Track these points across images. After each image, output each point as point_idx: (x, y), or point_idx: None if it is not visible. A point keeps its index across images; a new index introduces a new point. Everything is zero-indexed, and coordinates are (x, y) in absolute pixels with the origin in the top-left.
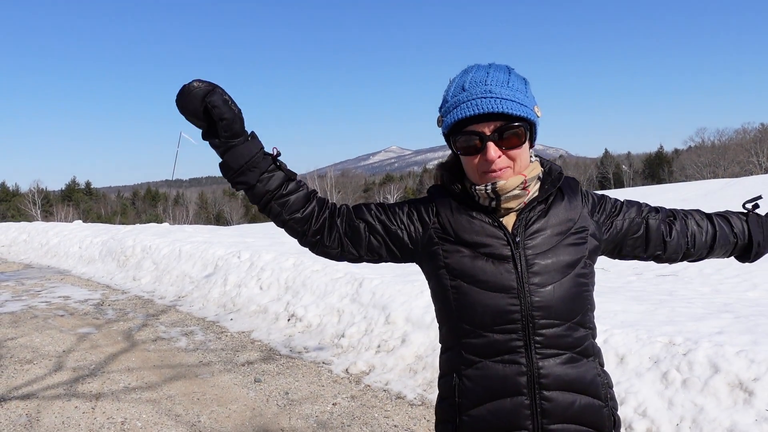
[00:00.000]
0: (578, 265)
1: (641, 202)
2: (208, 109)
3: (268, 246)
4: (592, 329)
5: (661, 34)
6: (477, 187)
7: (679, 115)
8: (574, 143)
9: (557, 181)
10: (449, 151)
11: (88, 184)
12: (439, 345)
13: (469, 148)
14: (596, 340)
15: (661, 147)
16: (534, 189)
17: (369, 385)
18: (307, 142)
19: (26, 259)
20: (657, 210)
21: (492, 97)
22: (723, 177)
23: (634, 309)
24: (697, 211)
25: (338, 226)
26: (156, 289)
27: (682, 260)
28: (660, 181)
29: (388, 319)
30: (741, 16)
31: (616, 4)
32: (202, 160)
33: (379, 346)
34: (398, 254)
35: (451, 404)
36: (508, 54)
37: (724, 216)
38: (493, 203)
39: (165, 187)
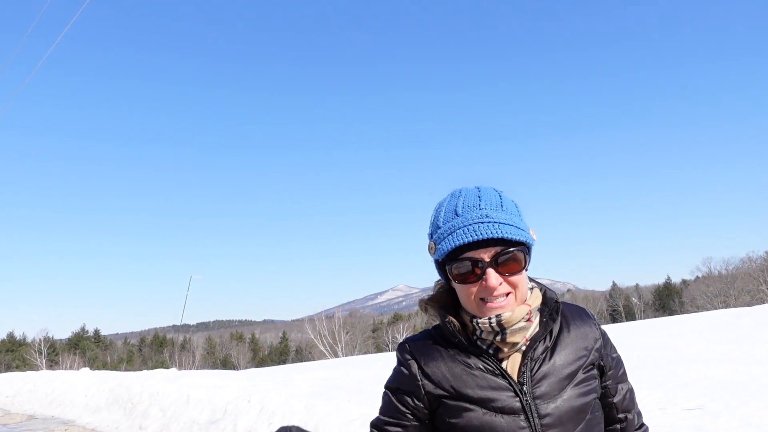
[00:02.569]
0: (590, 408)
1: (635, 414)
2: None
3: (278, 389)
4: None
5: (659, 166)
6: (479, 320)
7: (684, 245)
8: (580, 277)
9: (555, 313)
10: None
11: (96, 331)
12: None
13: (468, 276)
14: None
15: (669, 278)
16: (535, 322)
17: None
18: (315, 283)
19: (30, 410)
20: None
21: (489, 222)
22: (735, 306)
23: None
24: None
25: None
26: None
27: None
28: (671, 313)
29: None
30: (742, 145)
31: (616, 135)
32: (210, 305)
33: None
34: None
35: None
36: (508, 183)
37: None
38: (498, 338)
39: (172, 332)
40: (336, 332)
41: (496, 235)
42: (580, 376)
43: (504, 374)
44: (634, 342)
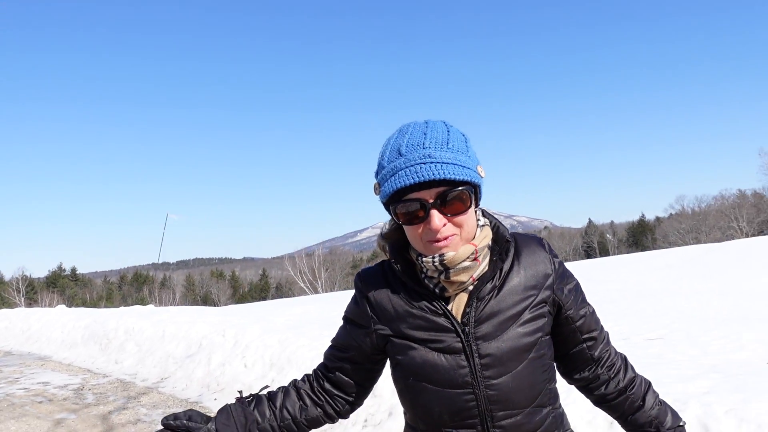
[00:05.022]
0: (534, 348)
1: (600, 331)
2: None
3: (252, 323)
4: (554, 401)
5: (635, 104)
6: (424, 258)
7: (659, 183)
8: (557, 214)
9: (505, 253)
10: None
11: (73, 269)
12: None
13: (412, 217)
14: (560, 406)
15: (643, 215)
16: (484, 262)
17: None
18: (295, 221)
19: (6, 346)
20: (601, 354)
21: (432, 162)
22: (705, 242)
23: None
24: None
25: (334, 393)
26: (138, 371)
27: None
28: (644, 249)
29: (374, 392)
30: (713, 86)
31: (593, 77)
32: (190, 242)
33: (366, 421)
34: (383, 364)
35: None
36: (486, 125)
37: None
38: (442, 276)
39: (152, 271)
40: (316, 269)
41: (439, 176)
42: (527, 315)
43: (447, 314)
44: (605, 277)
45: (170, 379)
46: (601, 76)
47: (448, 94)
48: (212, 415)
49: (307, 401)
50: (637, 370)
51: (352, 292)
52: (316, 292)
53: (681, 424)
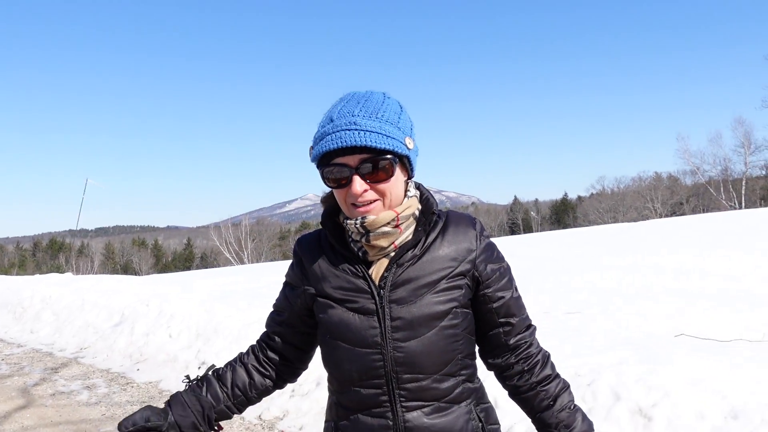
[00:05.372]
0: (447, 317)
1: (520, 319)
2: None
3: (178, 293)
4: (467, 374)
5: (559, 88)
6: (348, 221)
7: (581, 163)
8: (485, 191)
9: (429, 224)
10: None
11: None
12: None
13: (337, 181)
14: (476, 381)
15: (566, 194)
16: (408, 231)
17: (283, 431)
18: (221, 190)
19: None
20: (517, 339)
21: (356, 130)
22: (623, 222)
23: (542, 345)
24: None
25: (277, 360)
26: (56, 341)
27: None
28: (566, 226)
29: None
30: (636, 71)
31: (520, 59)
32: (110, 210)
33: (293, 390)
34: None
35: None
36: (422, 105)
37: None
38: (364, 240)
39: (69, 237)
40: (242, 240)
41: (360, 143)
42: (443, 284)
43: (366, 277)
44: (527, 253)
45: (90, 349)
46: (528, 59)
47: (379, 65)
48: (168, 400)
49: (255, 375)
50: (558, 371)
51: (278, 263)
52: (243, 262)
53: None
